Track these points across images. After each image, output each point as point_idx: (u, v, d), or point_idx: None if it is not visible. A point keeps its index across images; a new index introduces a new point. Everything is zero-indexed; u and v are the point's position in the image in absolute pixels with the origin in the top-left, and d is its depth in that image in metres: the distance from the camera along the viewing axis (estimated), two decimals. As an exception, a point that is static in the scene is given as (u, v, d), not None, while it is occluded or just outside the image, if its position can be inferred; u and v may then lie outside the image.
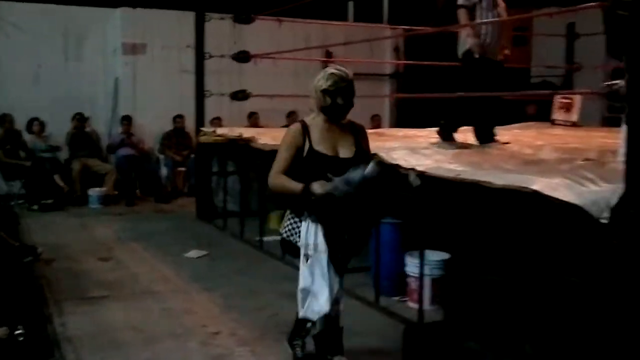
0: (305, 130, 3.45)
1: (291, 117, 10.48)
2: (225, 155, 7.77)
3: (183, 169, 9.89)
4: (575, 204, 2.98)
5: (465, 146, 5.26)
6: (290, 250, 3.65)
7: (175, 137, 10.14)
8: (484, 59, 5.18)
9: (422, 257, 4.45)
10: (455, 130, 5.48)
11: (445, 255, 4.66)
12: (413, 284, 4.74)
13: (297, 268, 5.61)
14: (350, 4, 12.02)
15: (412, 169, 4.14)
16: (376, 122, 10.72)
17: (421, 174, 4.07)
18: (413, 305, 4.68)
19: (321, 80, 3.38)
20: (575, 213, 2.99)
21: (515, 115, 8.11)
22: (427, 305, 4.56)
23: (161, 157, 10.13)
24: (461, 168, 3.91)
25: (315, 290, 3.44)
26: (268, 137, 6.65)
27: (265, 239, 6.60)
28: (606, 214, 2.91)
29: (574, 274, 3.08)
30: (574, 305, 2.97)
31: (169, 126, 10.19)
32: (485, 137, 5.35)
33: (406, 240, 4.87)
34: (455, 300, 3.88)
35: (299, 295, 3.55)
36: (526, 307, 3.34)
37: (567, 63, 8.86)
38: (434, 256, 4.64)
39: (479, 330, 3.42)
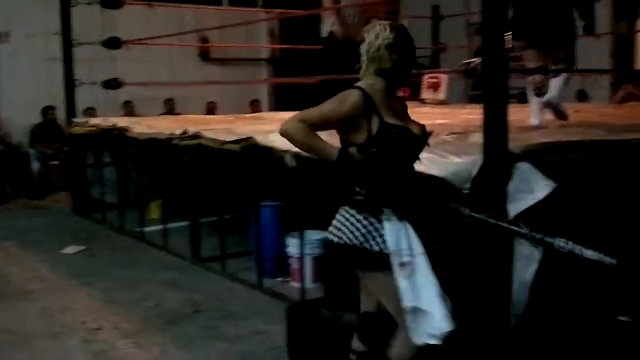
0: (368, 100, 2.63)
1: (168, 104, 10.30)
2: (100, 146, 7.52)
3: (56, 162, 9.47)
4: (439, 176, 3.15)
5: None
6: (356, 262, 2.72)
7: (46, 129, 9.67)
8: (346, 41, 5.36)
9: (302, 237, 4.54)
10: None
11: (324, 234, 4.76)
12: (295, 264, 4.83)
13: (181, 257, 5.70)
14: (225, -12, 11.92)
15: (288, 151, 4.19)
16: (256, 107, 10.74)
17: (297, 155, 4.14)
18: (296, 284, 4.77)
19: (382, 35, 2.67)
20: (440, 185, 3.17)
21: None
22: (309, 283, 4.66)
23: (31, 151, 9.65)
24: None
25: (427, 306, 2.57)
26: (144, 125, 6.51)
27: (147, 229, 6.47)
28: (467, 184, 3.10)
29: (439, 242, 3.25)
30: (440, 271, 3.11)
31: (38, 118, 9.72)
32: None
33: (286, 221, 4.95)
34: (333, 275, 3.99)
35: (409, 317, 2.59)
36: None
37: (434, 44, 9.25)
38: (314, 235, 4.73)
39: (357, 302, 3.54)
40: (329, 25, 5.42)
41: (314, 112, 2.67)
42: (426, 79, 8.00)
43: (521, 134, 3.78)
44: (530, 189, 2.97)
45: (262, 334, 4.03)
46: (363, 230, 2.63)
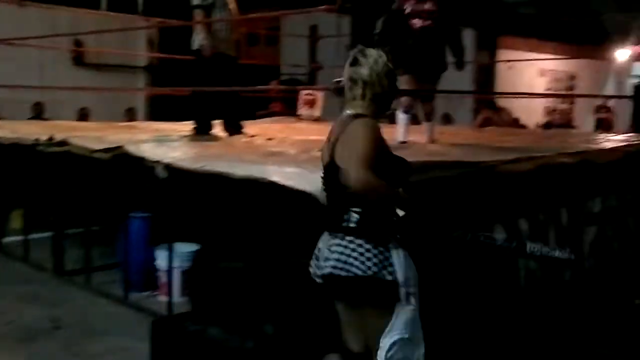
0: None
1: (36, 108, 9.81)
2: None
3: None
4: (307, 191, 3.21)
5: (214, 139, 5.38)
6: (367, 295, 2.55)
7: None
8: (217, 54, 5.43)
9: (170, 250, 4.46)
10: (209, 123, 5.61)
11: (194, 247, 4.72)
12: (163, 277, 4.73)
13: (43, 269, 5.41)
14: (104, -8, 11.57)
15: (159, 162, 4.12)
16: (131, 116, 10.43)
17: (168, 166, 4.08)
18: (164, 298, 4.67)
19: (381, 60, 2.62)
20: (309, 199, 3.22)
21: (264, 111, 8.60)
22: (177, 297, 4.58)
23: None
24: (207, 160, 3.99)
25: (416, 340, 2.55)
26: (7, 129, 6.15)
27: (6, 239, 6.12)
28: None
29: (306, 256, 3.31)
30: (307, 285, 3.17)
31: None
32: (233, 129, 5.57)
33: (156, 233, 4.84)
34: (201, 289, 3.95)
35: (396, 349, 2.52)
36: (267, 290, 3.52)
37: (311, 62, 9.45)
38: (183, 248, 4.67)
39: (224, 317, 3.53)
40: (199, 39, 5.43)
41: (363, 155, 2.46)
42: (303, 95, 8.14)
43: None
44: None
45: (126, 351, 3.91)
46: (375, 260, 2.48)
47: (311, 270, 2.72)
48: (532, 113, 11.40)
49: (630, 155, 5.29)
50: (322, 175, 2.72)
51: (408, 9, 4.98)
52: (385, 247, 2.51)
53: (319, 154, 4.17)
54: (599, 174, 4.78)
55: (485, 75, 10.06)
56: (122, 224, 4.81)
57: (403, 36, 4.93)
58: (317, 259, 2.68)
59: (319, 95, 7.76)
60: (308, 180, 3.27)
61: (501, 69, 11.06)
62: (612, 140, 6.32)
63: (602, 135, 7.40)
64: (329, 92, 7.03)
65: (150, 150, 4.36)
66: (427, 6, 4.96)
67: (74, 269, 5.29)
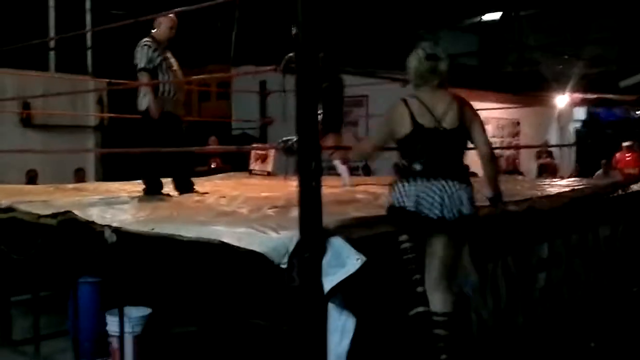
0: None
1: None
2: None
3: None
4: (259, 252, 3.21)
5: (165, 199, 5.35)
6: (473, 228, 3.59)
7: None
8: (166, 113, 5.53)
9: (121, 315, 4.37)
10: (159, 183, 5.58)
11: (146, 311, 4.63)
12: (115, 343, 4.61)
13: None
14: (52, 54, 11.52)
15: (108, 226, 4.07)
16: (80, 177, 10.30)
17: (117, 230, 4.03)
18: (116, 365, 4.54)
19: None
20: (261, 260, 3.22)
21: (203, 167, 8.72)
22: (130, 363, 4.47)
23: None
24: (156, 222, 3.96)
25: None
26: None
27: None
28: (285, 259, 3.18)
29: (261, 317, 3.29)
30: (263, 346, 3.16)
31: None
32: (184, 187, 5.56)
33: (106, 298, 4.74)
34: (154, 355, 3.87)
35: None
36: (221, 354, 3.48)
37: (262, 117, 9.54)
38: (135, 312, 4.57)
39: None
40: (145, 100, 5.48)
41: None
42: (254, 150, 8.17)
43: (336, 208, 3.97)
44: (342, 262, 3.10)
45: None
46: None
47: (436, 214, 3.36)
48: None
49: (575, 200, 5.46)
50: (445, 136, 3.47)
51: None
52: None
53: (270, 212, 4.22)
54: (545, 220, 4.91)
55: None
56: (72, 290, 4.70)
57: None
58: (443, 205, 3.37)
59: (271, 151, 7.80)
60: (259, 240, 3.28)
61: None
62: (558, 185, 6.51)
63: (548, 181, 7.62)
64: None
65: (98, 214, 4.31)
66: None
67: (23, 339, 5.12)
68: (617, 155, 12.15)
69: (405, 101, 3.51)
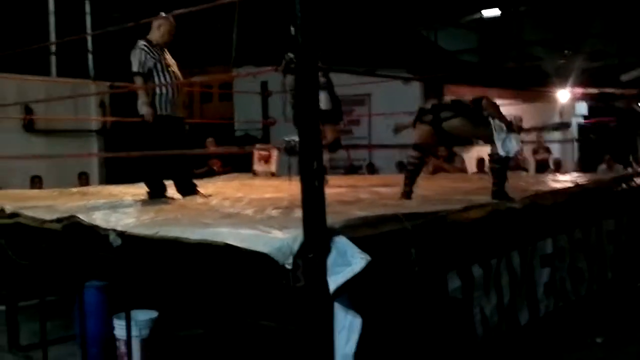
0: None
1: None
2: None
3: None
4: (264, 252, 3.22)
5: (168, 201, 5.36)
6: None
7: None
8: (165, 116, 5.52)
9: (128, 318, 4.38)
10: (162, 186, 5.59)
11: (153, 314, 4.64)
12: (122, 347, 4.62)
13: None
14: (53, 59, 11.55)
15: (112, 229, 4.09)
16: (84, 181, 10.32)
17: (122, 233, 4.04)
18: (124, 369, 4.55)
19: None
20: (265, 261, 3.23)
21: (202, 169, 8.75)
22: (137, 367, 4.47)
23: None
24: (160, 225, 3.97)
25: None
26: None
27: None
28: (290, 260, 3.19)
29: (267, 318, 3.30)
30: (271, 347, 3.17)
31: None
32: (187, 190, 5.56)
33: (113, 302, 4.75)
34: (161, 358, 3.88)
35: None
36: (228, 355, 3.49)
37: (264, 118, 9.55)
38: (142, 316, 4.58)
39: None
40: (140, 103, 5.48)
41: None
42: (257, 151, 8.18)
43: (340, 207, 3.98)
44: (347, 262, 3.11)
45: None
46: None
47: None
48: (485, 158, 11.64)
49: (577, 195, 5.46)
50: None
51: None
52: None
53: (274, 213, 4.23)
54: (549, 215, 4.91)
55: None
56: (78, 294, 4.71)
57: None
58: None
59: (273, 151, 7.81)
60: (263, 241, 3.29)
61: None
62: (561, 181, 6.51)
63: (551, 176, 7.61)
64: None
65: (102, 218, 4.33)
66: None
67: (30, 344, 5.13)
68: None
69: None
